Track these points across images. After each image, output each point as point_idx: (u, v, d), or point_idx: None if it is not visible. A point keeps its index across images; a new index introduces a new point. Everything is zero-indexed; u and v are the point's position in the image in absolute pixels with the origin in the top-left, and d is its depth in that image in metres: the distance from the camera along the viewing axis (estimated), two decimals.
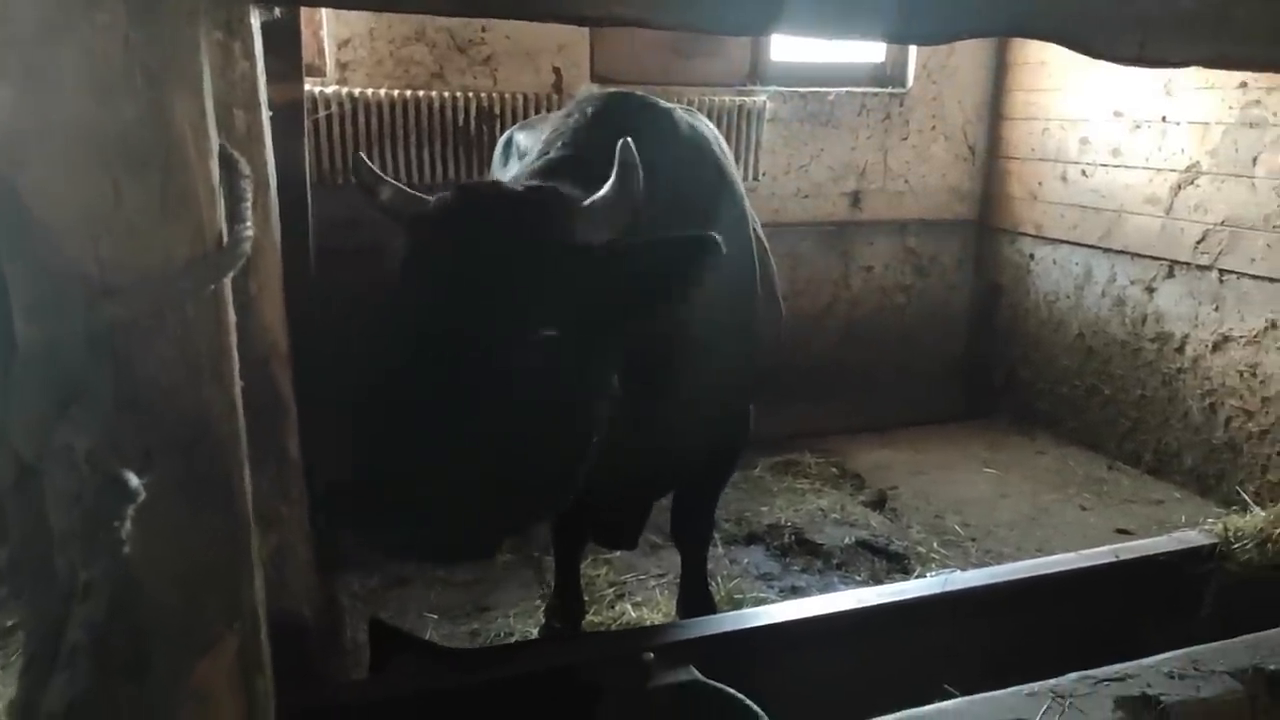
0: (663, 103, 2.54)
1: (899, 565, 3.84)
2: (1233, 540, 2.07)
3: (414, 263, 1.74)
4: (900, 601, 1.79)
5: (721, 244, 1.81)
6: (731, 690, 1.52)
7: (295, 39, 3.19)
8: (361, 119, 4.49)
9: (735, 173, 2.79)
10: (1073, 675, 1.25)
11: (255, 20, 1.29)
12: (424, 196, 1.91)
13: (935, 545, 4.08)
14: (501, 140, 3.94)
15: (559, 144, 2.28)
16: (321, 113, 4.42)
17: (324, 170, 4.47)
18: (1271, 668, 1.24)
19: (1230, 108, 4.46)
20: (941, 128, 5.74)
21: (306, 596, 1.46)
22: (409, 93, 4.56)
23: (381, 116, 4.52)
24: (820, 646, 1.70)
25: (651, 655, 1.52)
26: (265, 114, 1.33)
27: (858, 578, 3.74)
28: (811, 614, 1.74)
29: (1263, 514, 2.14)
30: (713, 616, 2.24)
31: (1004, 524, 4.37)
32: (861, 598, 1.80)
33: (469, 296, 1.66)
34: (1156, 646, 1.53)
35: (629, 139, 1.88)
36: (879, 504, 4.51)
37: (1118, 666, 1.25)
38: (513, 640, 3.20)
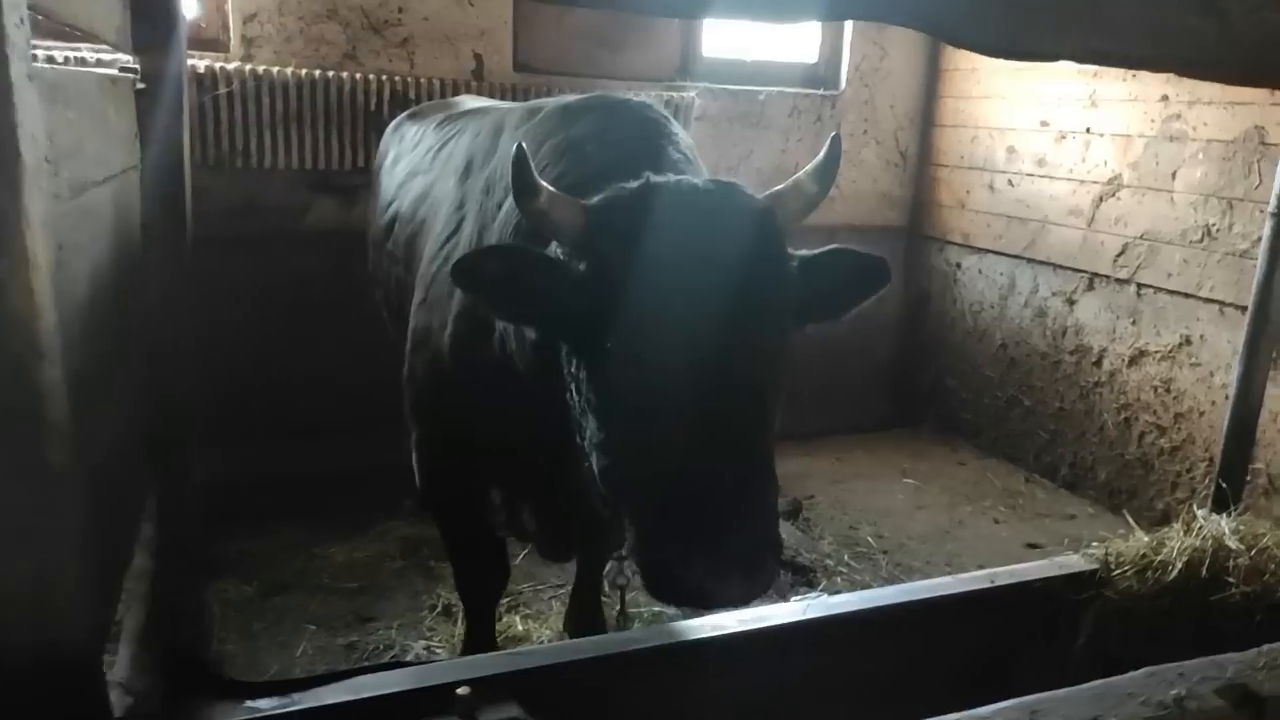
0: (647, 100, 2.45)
1: (804, 579, 3.75)
2: (1113, 566, 2.00)
3: (638, 279, 1.57)
4: (761, 629, 1.68)
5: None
6: None
7: (170, 7, 2.97)
8: (266, 98, 4.27)
9: None
10: None
11: None
12: (580, 201, 1.74)
13: (845, 558, 4.00)
14: (390, 127, 3.77)
15: (593, 145, 2.13)
16: (221, 90, 4.20)
17: (221, 152, 4.24)
18: None
19: (1152, 121, 4.45)
20: (873, 132, 5.69)
21: (78, 622, 1.29)
22: (318, 73, 4.36)
23: (288, 97, 4.31)
24: (666, 679, 1.58)
25: (468, 690, 1.38)
26: (18, 70, 1.15)
27: None
28: (655, 644, 1.62)
29: (1145, 539, 2.07)
30: (543, 646, 2.10)
31: (917, 536, 4.31)
32: (719, 624, 1.68)
33: (722, 310, 1.55)
34: (1023, 679, 1.43)
35: (838, 134, 1.87)
36: (793, 514, 4.42)
37: (951, 717, 1.14)
38: (391, 656, 3.04)
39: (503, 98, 4.55)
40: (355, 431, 4.44)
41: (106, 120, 2.47)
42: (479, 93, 4.59)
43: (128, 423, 2.73)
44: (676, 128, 2.34)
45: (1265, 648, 1.35)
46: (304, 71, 4.34)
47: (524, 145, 1.66)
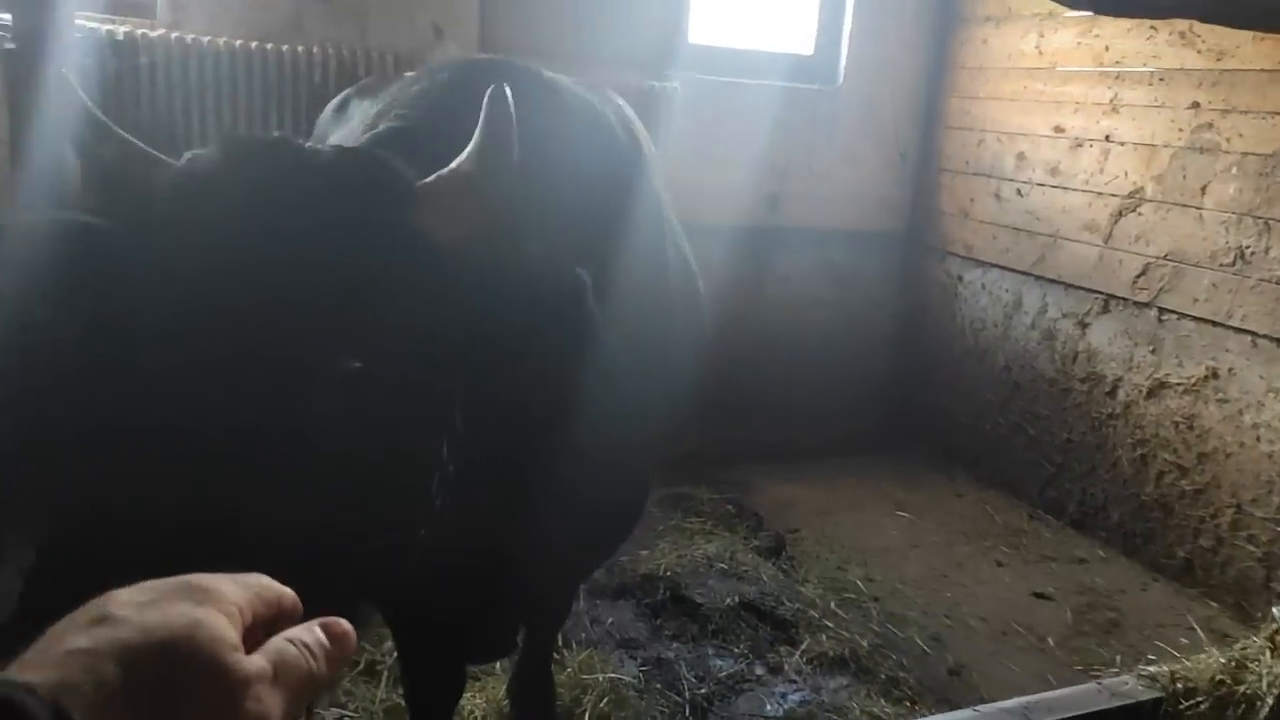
0: (546, 72, 1.92)
1: (785, 634, 3.31)
2: (1182, 696, 1.57)
3: (167, 256, 1.11)
4: None
5: (592, 308, 1.28)
6: None
7: None
8: (196, 70, 3.78)
9: (649, 162, 2.16)
10: None
11: None
12: (165, 159, 1.26)
13: (832, 605, 3.56)
14: (334, 103, 3.29)
15: (392, 114, 1.65)
16: (143, 60, 3.70)
17: (144, 128, 3.74)
18: None
19: (1180, 130, 4.03)
20: (872, 130, 5.24)
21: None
22: (255, 44, 3.87)
23: (221, 69, 3.82)
24: None
25: None
26: None
27: (735, 649, 3.19)
28: None
29: (1220, 660, 1.63)
30: None
31: (911, 580, 3.88)
32: None
33: (256, 305, 1.06)
34: None
35: (502, 90, 1.28)
36: (775, 551, 3.98)
37: None
38: None
39: None
40: None
41: None
42: None
43: None
44: (563, 91, 1.87)
45: None
46: (239, 42, 3.84)
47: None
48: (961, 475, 4.97)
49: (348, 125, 2.91)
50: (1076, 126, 4.49)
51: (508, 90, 1.29)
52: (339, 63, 3.98)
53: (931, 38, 5.19)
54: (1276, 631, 1.68)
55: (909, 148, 5.34)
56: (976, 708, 1.56)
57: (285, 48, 3.91)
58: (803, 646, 3.22)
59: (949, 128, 5.21)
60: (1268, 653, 1.64)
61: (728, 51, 4.88)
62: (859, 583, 3.78)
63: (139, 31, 3.70)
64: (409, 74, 2.65)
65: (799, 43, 5.05)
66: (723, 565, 3.74)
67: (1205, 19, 3.46)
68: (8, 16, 2.43)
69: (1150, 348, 4.16)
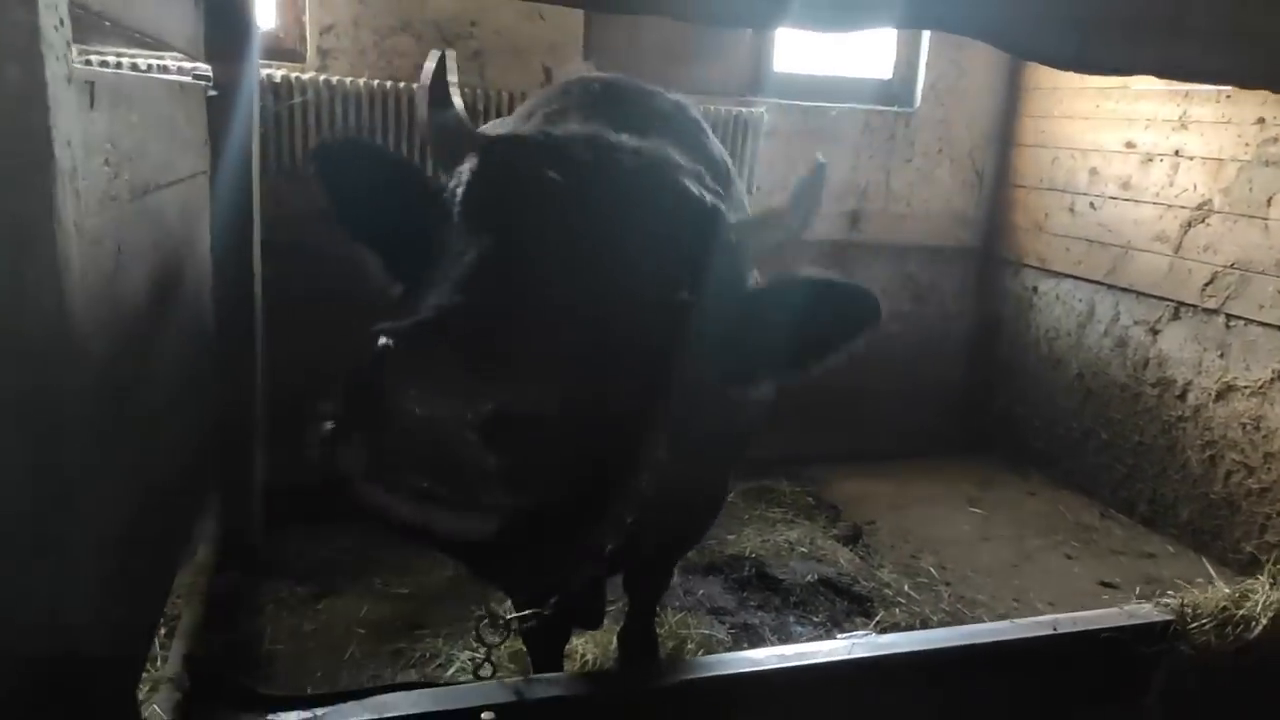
0: (668, 92, 2.26)
1: (861, 608, 3.63)
2: (1190, 619, 1.86)
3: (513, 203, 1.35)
4: (800, 667, 1.60)
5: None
6: None
7: (245, 16, 3.04)
8: (340, 108, 4.35)
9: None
10: None
11: None
12: (476, 135, 1.57)
13: (905, 588, 3.86)
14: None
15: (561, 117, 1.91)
16: (296, 99, 4.29)
17: (296, 160, 4.32)
18: None
19: (1246, 144, 4.23)
20: (948, 151, 5.53)
21: (96, 632, 1.28)
22: (390, 84, 4.42)
23: (360, 107, 4.38)
24: (693, 714, 1.51)
25: (493, 715, 1.34)
26: (55, 71, 1.15)
27: (815, 619, 3.53)
28: (684, 678, 1.55)
29: (1226, 590, 1.92)
30: (571, 676, 2.04)
31: (982, 569, 4.14)
32: (755, 660, 1.60)
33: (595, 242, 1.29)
34: None
35: (818, 157, 1.63)
36: (853, 539, 4.30)
37: None
38: (436, 665, 3.02)
39: None
40: None
41: (174, 125, 2.52)
42: None
43: (194, 422, 2.78)
44: (700, 130, 2.11)
45: None
46: (376, 83, 4.41)
47: (446, 52, 1.54)
48: (1035, 476, 5.19)
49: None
50: (1147, 142, 4.71)
51: (823, 164, 1.61)
52: (462, 101, 4.48)
53: (1005, 61, 5.45)
54: (1277, 570, 1.95)
55: (984, 166, 5.60)
56: (1014, 620, 1.88)
57: (415, 85, 4.44)
58: (877, 618, 3.52)
59: (1023, 146, 5.46)
60: (1267, 585, 1.91)
61: (810, 78, 5.24)
62: (931, 569, 4.06)
63: (293, 75, 4.30)
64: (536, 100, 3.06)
65: (878, 68, 5.39)
66: (803, 549, 4.07)
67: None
68: (208, 68, 2.97)
69: (1219, 352, 4.34)
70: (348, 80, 4.36)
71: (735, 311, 1.49)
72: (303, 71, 4.38)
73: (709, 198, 1.46)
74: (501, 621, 2.32)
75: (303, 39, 4.47)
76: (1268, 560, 2.13)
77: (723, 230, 1.46)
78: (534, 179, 1.36)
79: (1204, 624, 1.83)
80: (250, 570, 3.39)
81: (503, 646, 3.15)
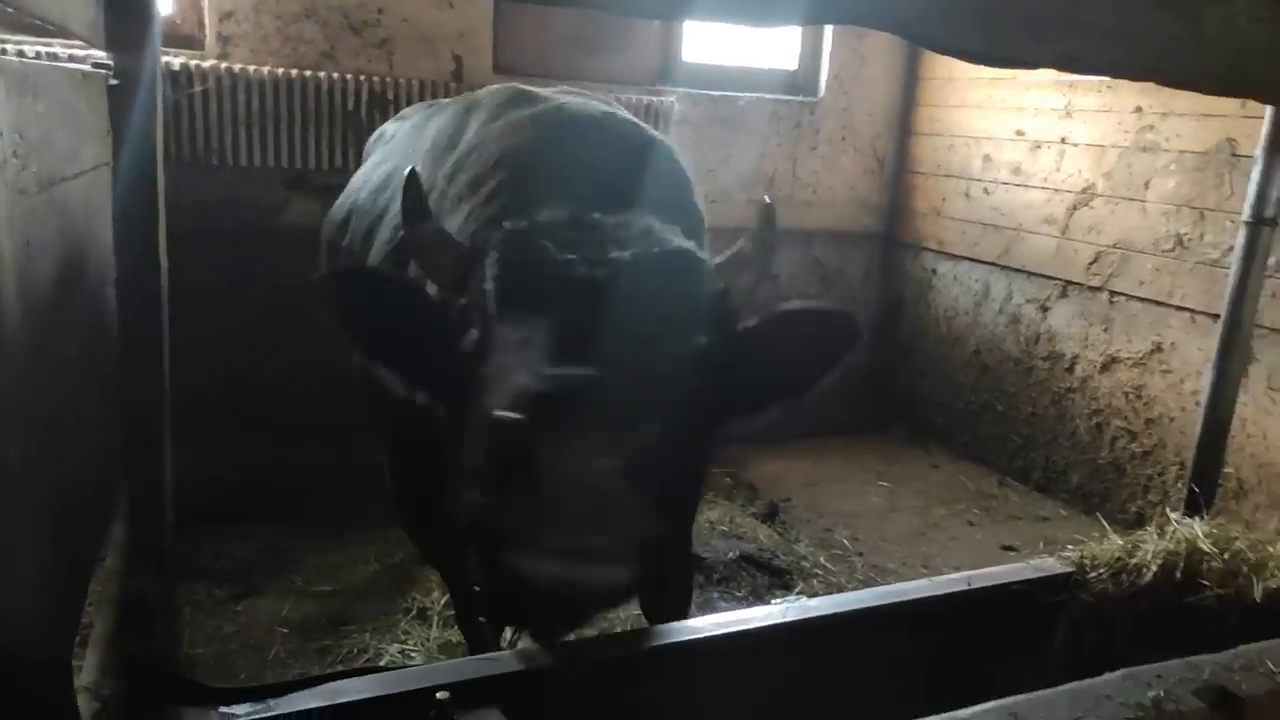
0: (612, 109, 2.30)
1: (781, 580, 3.75)
2: (1089, 569, 2.02)
3: (522, 355, 1.42)
4: (739, 632, 1.67)
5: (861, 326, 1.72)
6: None
7: (145, 4, 2.93)
8: (242, 97, 4.24)
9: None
10: None
11: None
12: (463, 245, 1.64)
13: (821, 559, 4.01)
14: (375, 132, 3.72)
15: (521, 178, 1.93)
16: (197, 87, 4.15)
17: (197, 150, 4.19)
18: None
19: (1126, 131, 4.51)
20: (851, 139, 5.72)
21: (42, 626, 1.26)
22: (295, 72, 4.32)
23: (264, 96, 4.27)
24: (644, 683, 1.57)
25: (447, 695, 1.37)
26: None
27: (738, 594, 3.64)
28: (632, 649, 1.61)
29: (1120, 543, 2.09)
30: (522, 651, 2.08)
31: (892, 538, 4.33)
32: (697, 628, 1.67)
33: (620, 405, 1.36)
34: (1002, 682, 1.44)
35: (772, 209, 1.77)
36: (770, 516, 4.43)
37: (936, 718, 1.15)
38: (365, 660, 3.00)
39: None
40: (330, 433, 4.39)
41: (78, 115, 2.43)
42: (457, 94, 4.55)
43: (100, 422, 2.68)
44: (663, 154, 2.16)
45: (1241, 649, 1.37)
46: (281, 71, 4.30)
47: (416, 169, 1.63)
48: (937, 450, 5.44)
49: (383, 143, 3.34)
50: (1035, 130, 4.97)
51: (769, 203, 1.77)
52: (370, 90, 4.43)
53: (906, 49, 5.66)
54: (1165, 523, 2.13)
55: (885, 154, 5.82)
56: (931, 578, 2.00)
57: (322, 74, 4.36)
58: (797, 589, 3.65)
59: (921, 134, 5.69)
60: (1155, 535, 2.09)
61: (718, 68, 5.34)
62: (845, 541, 4.23)
63: (193, 63, 4.16)
64: (445, 101, 3.04)
65: (784, 59, 5.52)
66: (723, 528, 4.18)
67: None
68: (107, 55, 2.86)
69: (1103, 327, 4.63)
70: (250, 68, 4.25)
71: (738, 350, 1.64)
72: (203, 59, 4.24)
73: (696, 264, 1.63)
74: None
75: (201, 25, 4.33)
76: (1154, 514, 2.32)
77: (714, 283, 1.64)
78: (564, 272, 1.49)
79: (1101, 573, 1.99)
80: (163, 574, 3.29)
81: (432, 639, 3.17)
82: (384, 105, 4.48)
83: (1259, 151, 2.41)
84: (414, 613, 3.31)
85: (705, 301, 1.59)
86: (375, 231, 2.60)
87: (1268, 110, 2.34)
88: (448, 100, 3.67)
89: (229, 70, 4.20)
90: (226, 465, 4.07)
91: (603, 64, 5.03)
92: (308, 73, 4.35)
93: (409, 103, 4.50)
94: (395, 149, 3.05)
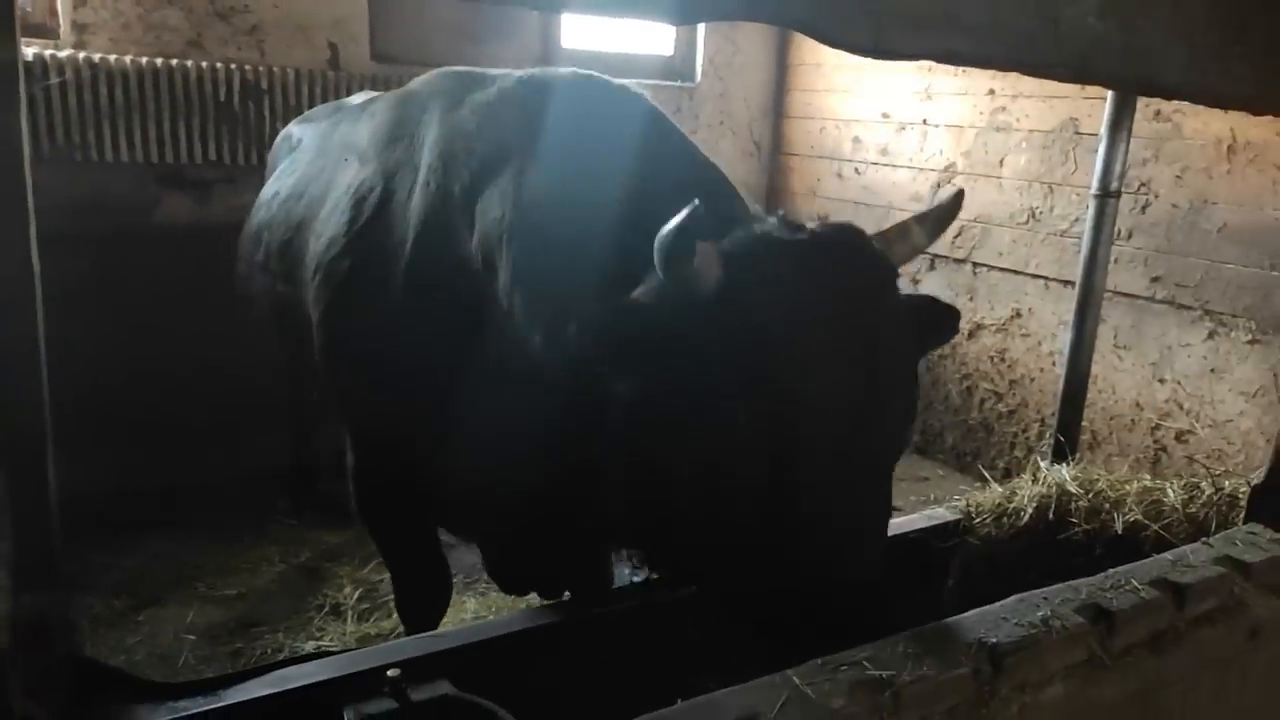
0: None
1: None
2: (974, 516, 2.22)
3: (780, 348, 1.43)
4: (666, 599, 1.77)
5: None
6: (488, 703, 1.44)
7: None
8: (104, 88, 4.03)
9: None
10: (814, 662, 1.26)
11: None
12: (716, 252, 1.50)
13: None
14: (280, 136, 3.62)
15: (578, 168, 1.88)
16: (54, 79, 3.93)
17: (58, 145, 3.98)
18: (993, 641, 1.31)
19: (981, 113, 4.83)
20: (729, 123, 5.89)
21: None
22: (160, 61, 4.14)
23: (128, 86, 4.08)
24: (575, 650, 1.65)
25: (398, 672, 1.41)
26: None
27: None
28: (573, 617, 1.69)
29: (1000, 490, 2.30)
30: (466, 625, 2.14)
31: None
32: (615, 599, 1.76)
33: (870, 382, 1.44)
34: (906, 620, 1.58)
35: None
36: None
37: (854, 651, 1.27)
38: (281, 659, 2.97)
39: (360, 88, 4.45)
40: (219, 434, 4.26)
41: None
42: (335, 83, 4.48)
43: None
44: (663, 115, 2.19)
45: (1110, 571, 1.56)
46: (144, 60, 4.11)
47: (698, 207, 1.41)
48: None
49: (292, 149, 3.24)
50: (900, 112, 5.25)
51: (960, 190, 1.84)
52: (242, 79, 4.29)
53: (776, 37, 5.87)
54: (1037, 471, 2.36)
55: (762, 137, 6.02)
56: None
57: (190, 63, 4.19)
58: None
59: (794, 117, 5.92)
60: (1029, 481, 2.32)
61: (597, 55, 5.41)
62: None
63: (47, 53, 3.93)
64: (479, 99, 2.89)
65: (660, 45, 5.64)
66: None
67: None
68: None
69: (969, 295, 4.96)
70: (111, 58, 4.05)
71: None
72: (58, 49, 4.01)
73: (882, 253, 1.67)
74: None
75: (54, 12, 4.09)
76: (1024, 465, 2.55)
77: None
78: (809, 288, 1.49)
79: (985, 519, 2.19)
80: (54, 588, 3.15)
81: (348, 633, 3.17)
82: (258, 95, 4.35)
83: (1103, 130, 2.67)
84: (326, 609, 3.28)
85: (897, 297, 1.63)
86: (294, 244, 2.53)
87: (1109, 94, 2.59)
88: (359, 98, 3.53)
89: (88, 60, 3.99)
90: (111, 472, 3.91)
91: (484, 51, 5.02)
92: (174, 61, 4.17)
93: (284, 93, 4.40)
94: (306, 154, 2.97)
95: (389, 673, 1.41)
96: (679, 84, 5.66)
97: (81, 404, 3.64)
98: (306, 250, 2.41)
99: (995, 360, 4.84)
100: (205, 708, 1.33)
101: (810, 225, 1.62)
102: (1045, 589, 1.49)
